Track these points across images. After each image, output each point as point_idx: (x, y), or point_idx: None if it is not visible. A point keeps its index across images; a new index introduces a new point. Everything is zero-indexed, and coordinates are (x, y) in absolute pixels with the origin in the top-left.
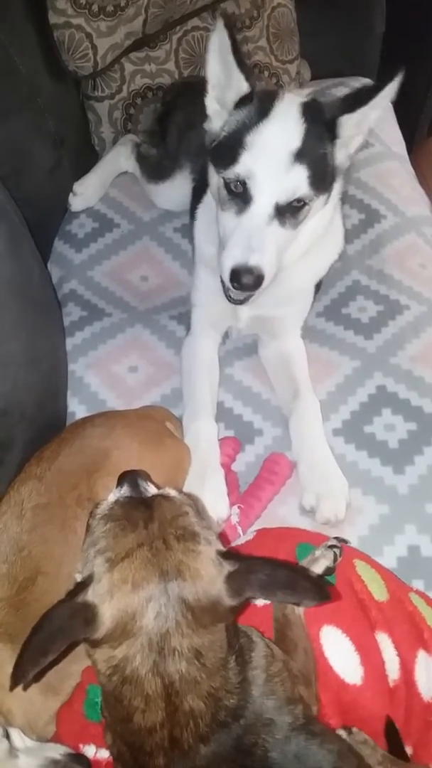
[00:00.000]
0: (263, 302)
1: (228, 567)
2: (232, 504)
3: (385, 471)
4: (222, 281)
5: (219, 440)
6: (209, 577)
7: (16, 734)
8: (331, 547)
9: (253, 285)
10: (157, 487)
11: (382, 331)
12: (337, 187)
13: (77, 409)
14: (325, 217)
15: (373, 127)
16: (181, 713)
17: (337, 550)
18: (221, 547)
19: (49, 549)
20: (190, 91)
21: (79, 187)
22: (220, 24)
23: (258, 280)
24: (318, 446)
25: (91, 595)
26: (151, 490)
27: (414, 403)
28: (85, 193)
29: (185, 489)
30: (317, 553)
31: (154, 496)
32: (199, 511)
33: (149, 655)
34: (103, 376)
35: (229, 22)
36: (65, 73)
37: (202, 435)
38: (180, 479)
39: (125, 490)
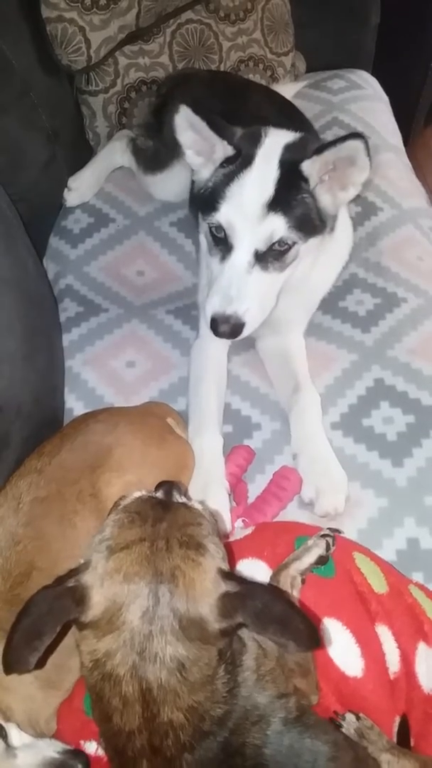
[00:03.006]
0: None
1: (226, 587)
2: (237, 516)
3: (384, 464)
4: None
5: (232, 448)
6: (202, 591)
7: (14, 732)
8: (323, 536)
9: (231, 333)
10: (189, 499)
11: (379, 324)
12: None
13: (75, 405)
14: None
15: (361, 183)
16: (159, 723)
17: (329, 539)
18: (225, 567)
19: (46, 544)
20: (187, 81)
21: (73, 182)
22: (184, 109)
23: (236, 328)
24: (318, 440)
25: (85, 578)
26: (181, 500)
27: (412, 396)
28: (80, 188)
29: None
30: (310, 542)
31: (176, 502)
32: (218, 530)
33: (130, 654)
34: (101, 371)
35: (192, 103)
36: (58, 67)
37: (207, 449)
38: (183, 477)
39: (155, 493)
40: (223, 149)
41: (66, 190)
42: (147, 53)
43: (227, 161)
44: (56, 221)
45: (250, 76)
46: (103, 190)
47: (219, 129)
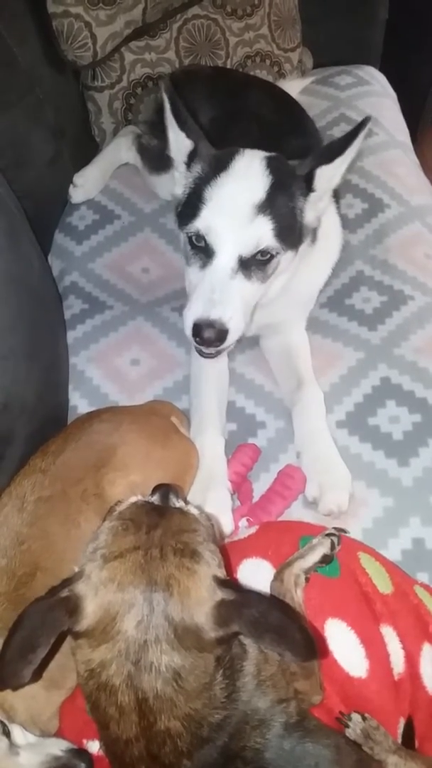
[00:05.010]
0: (268, 311)
1: (222, 595)
2: (242, 516)
3: (390, 463)
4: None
5: (237, 446)
6: (198, 599)
7: (17, 730)
8: (328, 535)
9: (216, 339)
10: (186, 504)
11: (386, 322)
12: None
13: (79, 402)
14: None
15: (335, 186)
16: (156, 731)
17: (334, 539)
18: (221, 574)
19: (50, 544)
20: (190, 79)
21: (79, 178)
22: (166, 83)
23: (221, 334)
24: (321, 437)
25: (78, 588)
26: (178, 504)
27: (419, 395)
28: (86, 184)
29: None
30: (314, 541)
31: (171, 508)
32: (215, 536)
33: (125, 664)
34: (105, 369)
35: (170, 85)
36: (64, 63)
37: (208, 448)
38: (187, 476)
39: (151, 498)
40: (183, 143)
41: (71, 186)
42: (153, 49)
43: (190, 159)
44: (61, 218)
45: (257, 72)
46: (108, 187)
47: (181, 120)
